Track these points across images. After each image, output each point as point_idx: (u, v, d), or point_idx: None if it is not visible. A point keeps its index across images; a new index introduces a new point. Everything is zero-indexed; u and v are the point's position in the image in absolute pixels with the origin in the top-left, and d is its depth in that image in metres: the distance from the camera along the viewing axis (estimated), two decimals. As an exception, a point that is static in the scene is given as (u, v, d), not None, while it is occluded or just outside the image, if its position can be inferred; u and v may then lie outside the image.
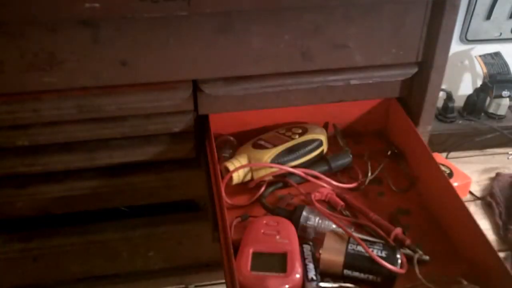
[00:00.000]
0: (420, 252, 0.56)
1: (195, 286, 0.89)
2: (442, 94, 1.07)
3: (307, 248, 0.55)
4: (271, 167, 0.66)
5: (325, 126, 0.77)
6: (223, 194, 0.60)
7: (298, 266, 0.50)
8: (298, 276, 0.50)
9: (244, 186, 0.68)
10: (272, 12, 0.60)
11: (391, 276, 0.52)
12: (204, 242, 0.80)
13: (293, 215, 0.60)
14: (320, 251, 0.54)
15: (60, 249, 0.76)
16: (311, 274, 0.52)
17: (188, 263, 0.84)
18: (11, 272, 0.78)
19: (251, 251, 0.51)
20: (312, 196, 0.64)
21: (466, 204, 0.57)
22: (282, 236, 0.54)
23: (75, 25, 0.56)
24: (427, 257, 0.56)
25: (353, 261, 0.53)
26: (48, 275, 0.80)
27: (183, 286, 0.87)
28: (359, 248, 0.53)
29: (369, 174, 0.70)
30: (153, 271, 0.84)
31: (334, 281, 0.53)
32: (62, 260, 0.78)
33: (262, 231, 0.55)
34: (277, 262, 0.50)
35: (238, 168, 0.65)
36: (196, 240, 0.80)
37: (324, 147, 0.72)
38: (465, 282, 0.51)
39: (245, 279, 0.49)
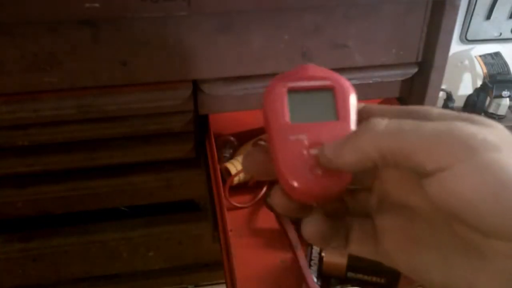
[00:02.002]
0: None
1: (195, 286, 0.89)
2: (442, 94, 1.07)
3: (316, 250, 0.55)
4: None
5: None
6: (223, 194, 0.60)
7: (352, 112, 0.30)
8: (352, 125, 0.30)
9: (244, 185, 0.68)
10: (272, 12, 0.60)
11: (395, 276, 0.52)
12: (204, 242, 0.80)
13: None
14: (323, 254, 0.54)
15: (60, 249, 0.76)
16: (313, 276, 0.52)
17: (188, 263, 0.84)
18: (11, 272, 0.78)
19: (285, 89, 0.30)
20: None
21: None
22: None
23: (75, 25, 0.56)
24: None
25: (356, 262, 0.53)
26: (48, 275, 0.80)
27: (183, 286, 0.87)
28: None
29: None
30: (153, 271, 0.84)
31: (339, 283, 0.53)
32: (62, 260, 0.78)
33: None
34: (323, 105, 0.31)
35: (239, 173, 0.65)
36: (196, 240, 0.80)
37: (324, 147, 0.72)
38: None
39: (284, 136, 0.28)
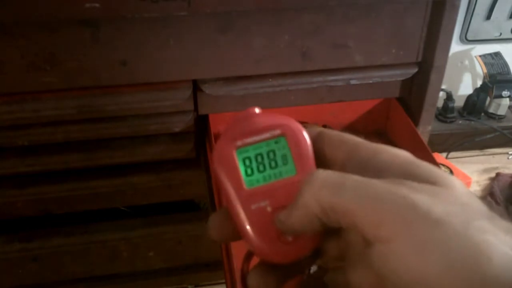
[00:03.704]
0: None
1: (195, 286, 0.89)
2: (442, 94, 1.07)
3: None
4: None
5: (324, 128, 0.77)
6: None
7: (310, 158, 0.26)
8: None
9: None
10: (272, 12, 0.60)
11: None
12: (204, 242, 0.80)
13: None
14: None
15: (60, 249, 0.76)
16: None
17: (188, 263, 0.84)
18: (11, 272, 0.78)
19: (234, 150, 0.26)
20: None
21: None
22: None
23: (75, 25, 0.56)
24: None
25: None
26: (48, 275, 0.80)
27: (183, 286, 0.87)
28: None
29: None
30: (153, 271, 0.84)
31: None
32: (62, 260, 0.78)
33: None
34: (278, 158, 0.26)
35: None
36: (196, 240, 0.80)
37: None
38: None
39: (245, 206, 0.25)
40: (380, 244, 0.20)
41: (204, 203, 0.81)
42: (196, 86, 0.65)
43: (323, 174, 0.23)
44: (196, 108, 0.67)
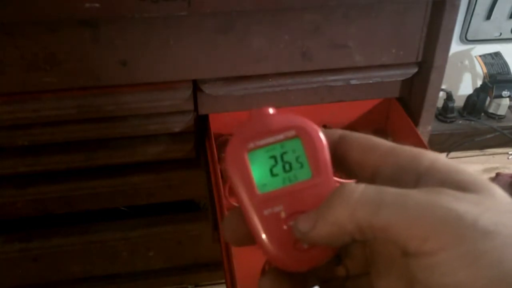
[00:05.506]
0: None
1: (195, 286, 0.89)
2: (442, 94, 1.07)
3: None
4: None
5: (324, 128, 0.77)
6: (223, 194, 0.60)
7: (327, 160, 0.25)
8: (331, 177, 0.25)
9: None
10: (272, 12, 0.60)
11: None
12: (204, 242, 0.80)
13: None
14: None
15: (60, 249, 0.76)
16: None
17: (188, 263, 0.84)
18: (11, 272, 0.78)
19: (245, 152, 0.25)
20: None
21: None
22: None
23: (75, 25, 0.56)
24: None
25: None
26: (48, 275, 0.80)
27: (183, 286, 0.87)
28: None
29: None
30: (153, 271, 0.84)
31: None
32: (62, 260, 0.78)
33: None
34: (292, 161, 0.25)
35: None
36: (196, 240, 0.80)
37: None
38: None
39: (257, 212, 0.24)
40: (425, 256, 0.19)
41: (204, 203, 0.81)
42: (196, 86, 0.65)
43: (358, 189, 0.21)
44: (196, 108, 0.67)
